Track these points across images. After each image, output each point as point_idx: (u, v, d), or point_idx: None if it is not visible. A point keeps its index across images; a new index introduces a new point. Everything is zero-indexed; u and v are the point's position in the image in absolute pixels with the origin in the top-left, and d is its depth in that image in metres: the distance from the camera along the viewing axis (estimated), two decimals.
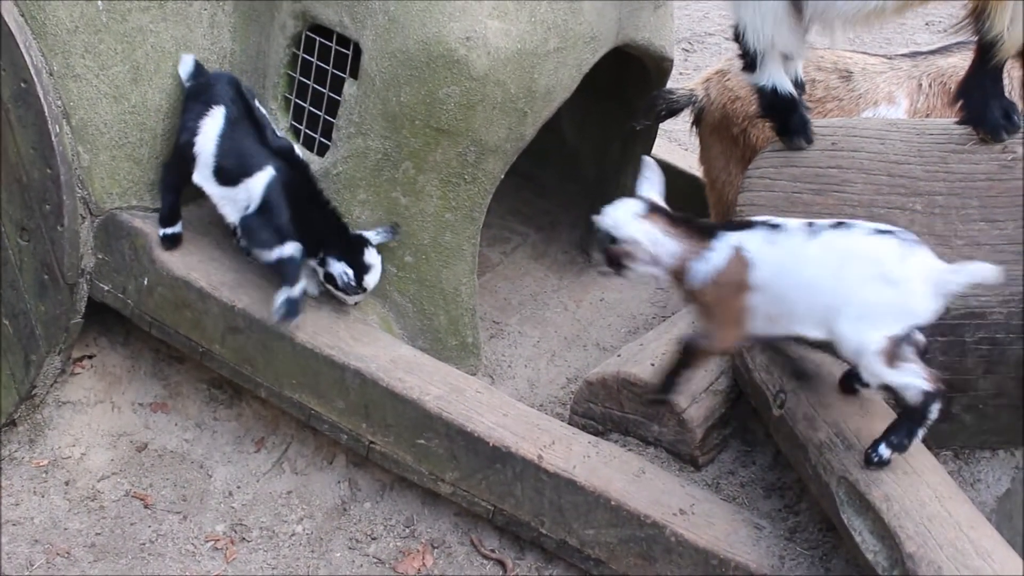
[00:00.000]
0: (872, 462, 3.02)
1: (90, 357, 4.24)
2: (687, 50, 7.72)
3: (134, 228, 3.93)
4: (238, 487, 3.98)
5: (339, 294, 3.78)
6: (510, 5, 3.63)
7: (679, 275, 3.16)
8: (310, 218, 3.72)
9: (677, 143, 5.93)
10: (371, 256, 3.72)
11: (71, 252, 3.87)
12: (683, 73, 7.04)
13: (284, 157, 3.76)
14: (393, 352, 3.71)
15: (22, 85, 3.72)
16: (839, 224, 3.03)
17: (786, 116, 3.60)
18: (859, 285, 2.95)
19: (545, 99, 3.78)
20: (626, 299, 4.66)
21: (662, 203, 3.22)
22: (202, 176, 3.81)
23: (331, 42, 3.82)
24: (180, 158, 3.86)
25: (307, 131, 3.94)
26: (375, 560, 3.70)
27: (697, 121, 4.33)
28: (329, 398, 3.70)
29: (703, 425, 3.58)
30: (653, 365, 3.65)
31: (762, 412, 3.53)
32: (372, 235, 3.75)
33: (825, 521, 3.26)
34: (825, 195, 3.49)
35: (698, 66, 7.47)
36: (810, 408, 3.26)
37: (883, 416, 3.17)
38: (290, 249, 3.71)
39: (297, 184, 3.74)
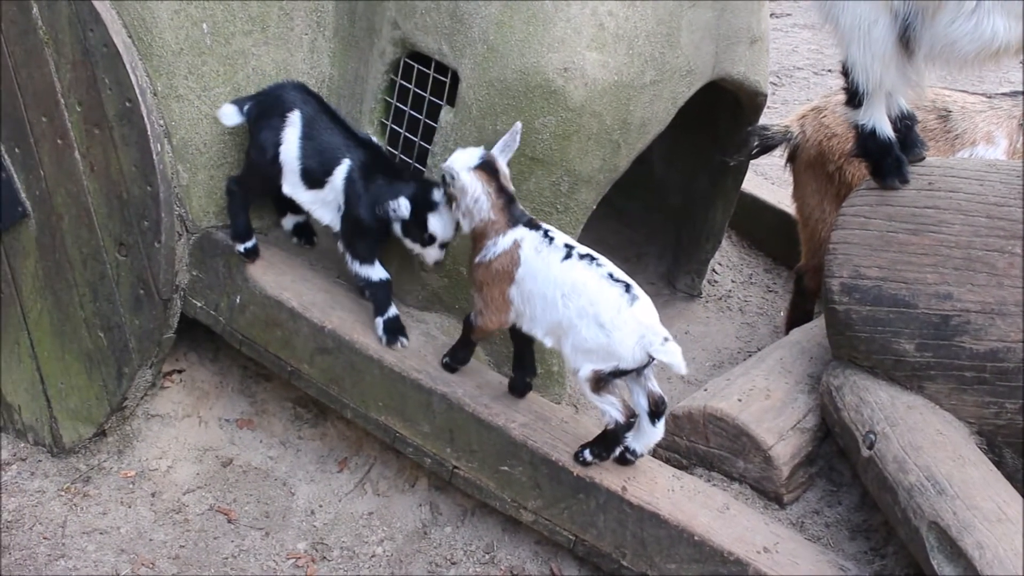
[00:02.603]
0: (577, 459, 3.49)
1: (180, 372, 4.31)
2: (776, 84, 7.69)
3: (229, 247, 3.99)
4: (320, 506, 4.02)
5: (418, 248, 3.74)
6: (609, 37, 3.65)
7: (477, 240, 3.50)
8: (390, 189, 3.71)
9: (764, 177, 5.91)
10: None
11: (167, 268, 3.94)
12: (771, 107, 7.01)
13: (361, 145, 3.84)
14: (480, 378, 3.73)
15: (127, 104, 3.81)
16: (588, 257, 3.38)
17: (880, 158, 3.58)
18: (579, 319, 3.30)
19: (640, 131, 3.79)
20: (711, 332, 4.65)
21: (503, 167, 3.47)
22: (291, 185, 3.88)
23: (429, 69, 3.86)
24: (259, 175, 3.92)
25: (402, 157, 3.98)
26: None
27: (792, 157, 4.32)
28: (415, 421, 3.72)
29: (789, 463, 3.55)
30: (740, 401, 3.63)
31: (850, 452, 3.49)
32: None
33: (913, 566, 3.21)
34: (921, 235, 3.46)
35: (786, 100, 7.44)
36: (901, 451, 3.22)
37: (976, 463, 3.13)
38: (379, 273, 3.76)
39: (372, 164, 3.81)
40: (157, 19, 3.81)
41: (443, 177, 3.45)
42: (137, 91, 3.79)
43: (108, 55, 3.78)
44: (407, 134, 3.97)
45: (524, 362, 3.69)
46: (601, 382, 3.31)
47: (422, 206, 3.61)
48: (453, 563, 3.77)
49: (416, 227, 3.64)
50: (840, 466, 3.64)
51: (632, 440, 3.43)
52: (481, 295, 3.51)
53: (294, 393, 4.19)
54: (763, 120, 4.48)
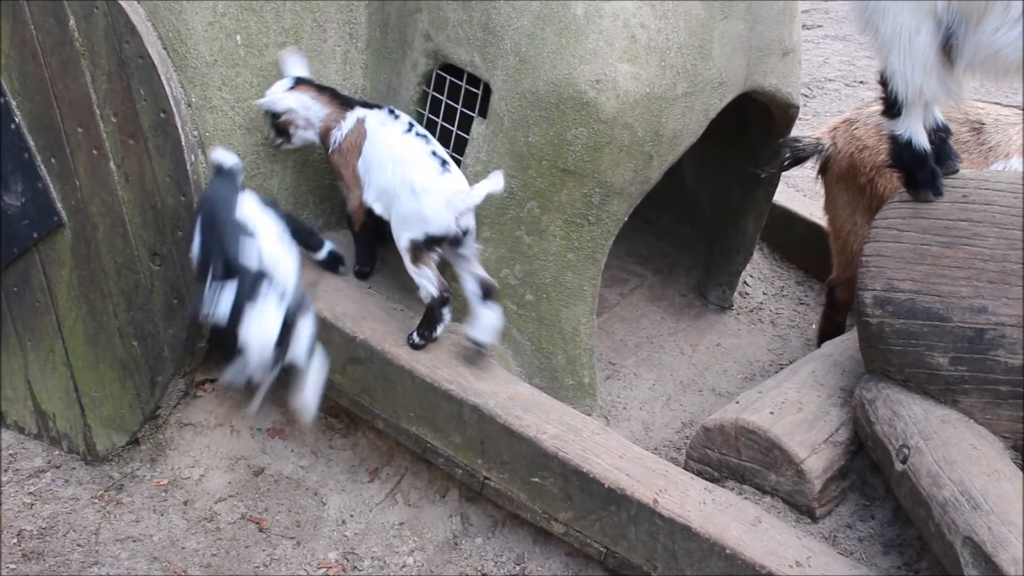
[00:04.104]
0: (409, 343, 3.82)
1: (212, 381, 4.32)
2: (806, 95, 7.67)
3: None
4: (351, 516, 4.03)
5: None
6: (641, 49, 3.65)
7: (326, 139, 3.91)
8: None
9: (795, 189, 5.90)
10: None
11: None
12: (802, 119, 6.98)
13: None
14: (511, 389, 3.73)
15: (161, 115, 3.83)
16: (424, 136, 3.80)
17: (915, 169, 3.56)
18: (400, 186, 3.71)
19: (672, 143, 3.79)
20: (743, 345, 4.64)
21: (307, 76, 3.94)
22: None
23: (461, 81, 3.88)
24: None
25: None
26: None
27: (823, 170, 4.30)
28: (446, 432, 3.73)
29: (822, 476, 3.53)
30: (772, 413, 3.62)
31: (883, 466, 3.47)
32: None
33: None
34: (955, 248, 3.44)
35: (817, 112, 7.42)
36: (935, 465, 3.20)
37: (1011, 478, 3.10)
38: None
39: None
40: (192, 31, 3.84)
41: (268, 115, 3.90)
42: (172, 102, 3.81)
43: (143, 66, 3.81)
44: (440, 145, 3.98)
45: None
46: (417, 251, 3.70)
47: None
48: (484, 574, 3.77)
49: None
50: (873, 480, 3.62)
51: (472, 330, 3.76)
52: (344, 180, 3.94)
53: (325, 403, 4.17)
54: (794, 132, 4.47)
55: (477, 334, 3.77)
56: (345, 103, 3.93)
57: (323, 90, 3.93)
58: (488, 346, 3.80)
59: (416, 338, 3.82)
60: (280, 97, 3.87)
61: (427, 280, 3.73)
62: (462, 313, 3.83)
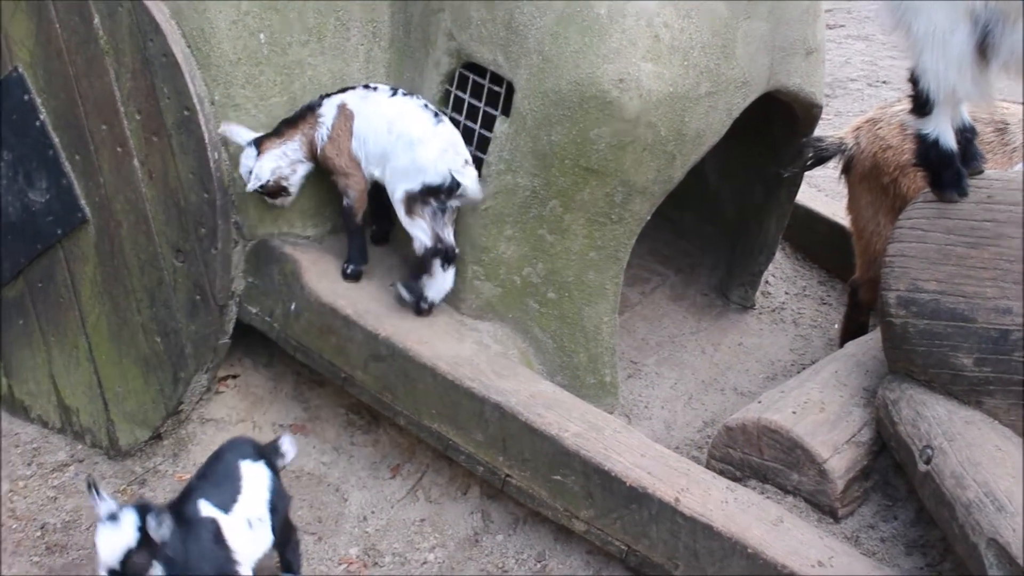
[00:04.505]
0: (395, 296, 3.96)
1: (234, 377, 4.35)
2: (828, 95, 7.64)
3: (284, 254, 4.03)
4: (372, 512, 4.04)
5: None
6: (664, 48, 3.65)
7: (313, 153, 3.95)
8: None
9: (817, 189, 5.88)
10: None
11: (223, 275, 3.98)
12: (824, 119, 6.96)
13: None
14: (533, 387, 3.73)
15: (185, 113, 3.85)
16: (409, 93, 3.94)
17: (941, 169, 3.54)
18: (397, 142, 3.82)
19: (695, 142, 3.79)
20: (765, 344, 4.63)
21: (259, 133, 3.91)
22: None
23: (484, 80, 3.88)
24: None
25: None
26: None
27: (846, 169, 4.29)
28: (467, 429, 3.73)
29: (844, 476, 3.52)
30: (795, 413, 3.61)
31: (906, 467, 3.46)
32: None
33: None
34: (980, 248, 3.43)
35: (839, 111, 7.40)
36: (959, 466, 3.19)
37: None
38: None
39: None
40: (216, 29, 3.86)
41: (257, 189, 3.91)
42: (195, 100, 3.83)
43: (167, 65, 3.83)
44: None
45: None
46: (413, 202, 3.82)
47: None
48: (504, 571, 3.77)
49: None
50: (895, 481, 3.61)
51: (427, 289, 3.90)
52: (340, 170, 3.97)
53: (347, 399, 4.22)
54: (817, 132, 4.46)
55: (431, 294, 3.93)
56: (307, 108, 3.96)
57: (279, 129, 3.95)
58: (435, 305, 3.96)
59: (403, 291, 3.95)
60: (261, 167, 3.88)
61: (420, 230, 3.85)
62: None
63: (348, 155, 3.94)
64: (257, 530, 3.32)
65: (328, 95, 3.98)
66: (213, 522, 3.23)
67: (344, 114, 3.92)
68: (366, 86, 3.98)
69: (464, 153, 3.84)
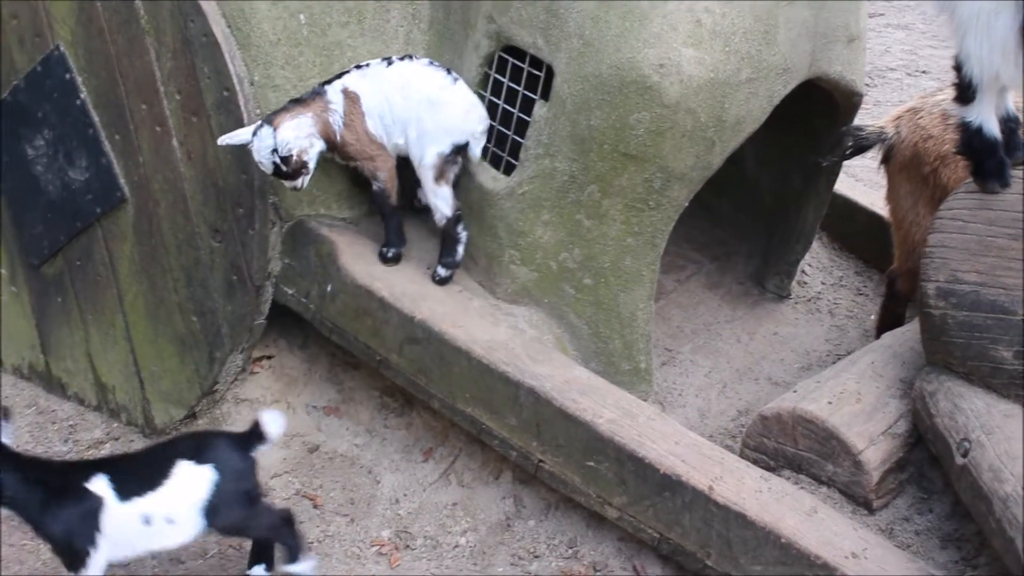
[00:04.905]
0: (435, 280, 3.98)
1: (269, 358, 4.37)
2: (868, 84, 7.57)
3: (321, 235, 4.04)
4: (404, 495, 4.05)
5: None
6: (705, 33, 3.63)
7: (329, 133, 3.84)
8: None
9: (854, 178, 5.84)
10: None
11: (260, 255, 4.00)
12: (863, 108, 6.89)
13: None
14: (568, 373, 3.73)
15: (224, 93, 3.86)
16: (407, 56, 3.91)
17: (984, 158, 3.50)
18: (417, 106, 3.81)
19: (734, 129, 3.76)
20: (800, 334, 4.60)
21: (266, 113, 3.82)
22: None
23: (524, 63, 3.87)
24: None
25: (495, 150, 3.99)
26: None
27: (886, 159, 4.25)
28: (501, 414, 3.73)
29: (880, 468, 3.50)
30: (830, 403, 3.59)
31: (943, 460, 3.43)
32: None
33: None
34: (1022, 240, 3.39)
35: (878, 101, 7.34)
36: (997, 459, 3.16)
37: None
38: None
39: None
40: (256, 10, 3.87)
41: (276, 171, 3.75)
42: (235, 80, 3.84)
43: (207, 45, 3.84)
44: (501, 128, 3.98)
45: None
46: (443, 167, 3.86)
47: None
48: (536, 556, 3.77)
49: None
50: (931, 473, 3.59)
51: (458, 255, 3.97)
52: (363, 156, 3.93)
53: (381, 382, 4.22)
54: (856, 121, 4.42)
55: (460, 257, 4.01)
56: (314, 92, 3.84)
57: (287, 107, 3.80)
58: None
59: (442, 271, 3.99)
60: (284, 137, 3.70)
61: (443, 200, 3.90)
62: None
63: (367, 137, 3.90)
64: (156, 528, 3.28)
65: (328, 81, 3.87)
66: (96, 499, 3.23)
67: (349, 97, 3.86)
68: (357, 65, 3.90)
69: (485, 117, 3.91)
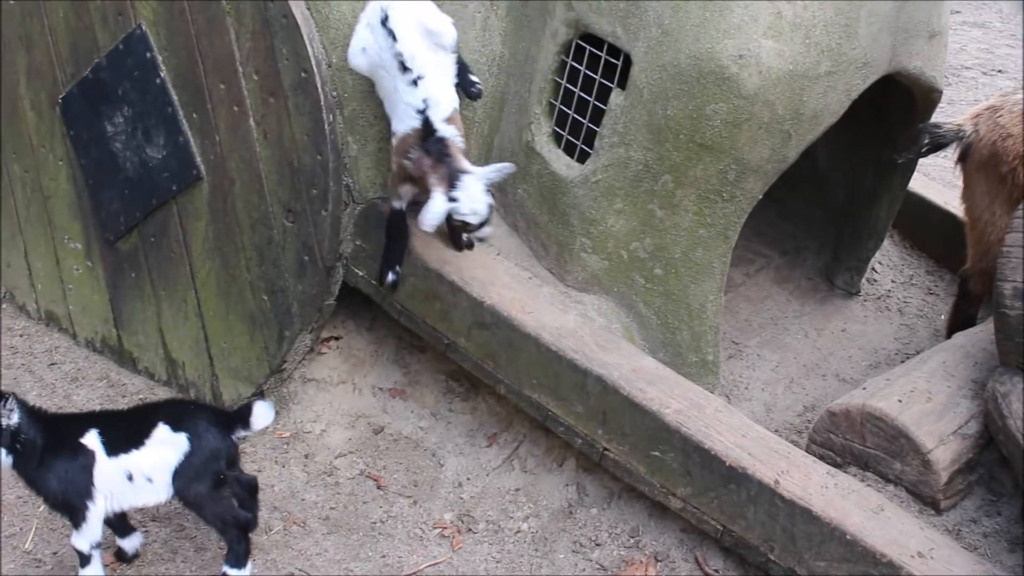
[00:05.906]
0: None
1: (337, 339, 4.40)
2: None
3: None
4: (468, 479, 4.07)
5: None
6: (786, 25, 3.60)
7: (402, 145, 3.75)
8: None
9: (926, 176, 5.77)
10: None
11: (332, 236, 4.03)
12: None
13: None
14: (636, 362, 3.73)
15: (302, 75, 3.89)
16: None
17: None
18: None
19: (812, 122, 3.74)
20: (869, 331, 4.56)
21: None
22: None
23: (601, 51, 3.86)
24: None
25: (569, 137, 3.99)
26: (598, 566, 3.72)
27: (963, 157, 4.19)
28: (568, 401, 3.74)
29: (949, 468, 3.47)
30: (900, 401, 3.56)
31: (1014, 462, 3.39)
32: None
33: None
34: None
35: (952, 99, 7.24)
36: None
37: None
38: None
39: None
40: None
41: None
42: (313, 62, 3.87)
43: (287, 26, 3.87)
44: (576, 116, 3.98)
45: None
46: None
47: None
48: (597, 544, 3.78)
49: None
50: (1001, 475, 3.55)
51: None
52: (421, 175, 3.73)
53: (447, 366, 4.25)
54: (932, 119, 4.37)
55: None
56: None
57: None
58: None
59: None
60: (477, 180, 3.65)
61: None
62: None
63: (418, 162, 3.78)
64: (137, 485, 3.41)
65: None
66: (89, 453, 3.35)
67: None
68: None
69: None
